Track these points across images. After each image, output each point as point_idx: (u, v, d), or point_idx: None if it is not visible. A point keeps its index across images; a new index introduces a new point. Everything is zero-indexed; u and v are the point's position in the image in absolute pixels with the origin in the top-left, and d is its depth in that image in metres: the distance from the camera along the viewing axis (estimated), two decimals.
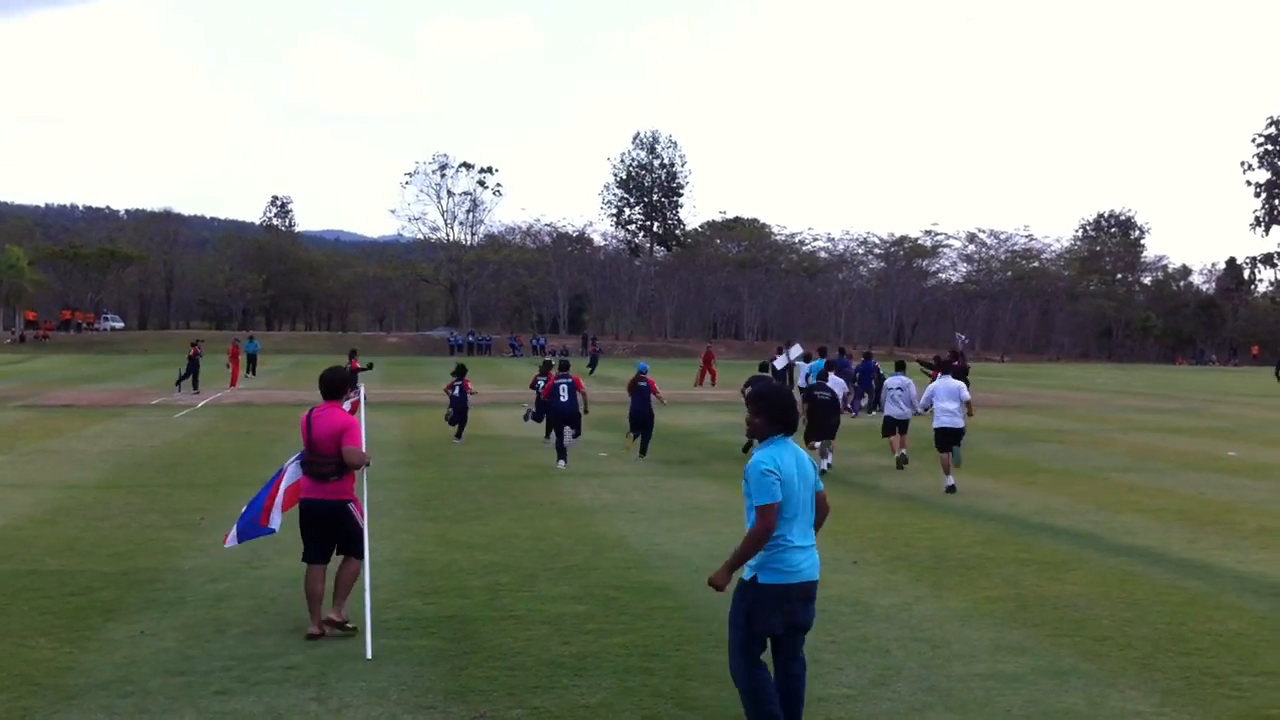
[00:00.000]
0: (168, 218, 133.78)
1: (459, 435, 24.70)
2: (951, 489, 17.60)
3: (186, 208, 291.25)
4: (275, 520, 9.13)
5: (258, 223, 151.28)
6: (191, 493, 16.48)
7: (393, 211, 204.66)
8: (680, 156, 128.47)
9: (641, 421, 22.27)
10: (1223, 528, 14.51)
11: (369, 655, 8.24)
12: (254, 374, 49.51)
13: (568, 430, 21.71)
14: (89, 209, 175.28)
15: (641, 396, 22.40)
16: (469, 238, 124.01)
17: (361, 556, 8.99)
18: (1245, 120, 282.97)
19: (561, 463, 20.54)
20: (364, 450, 9.06)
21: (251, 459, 20.68)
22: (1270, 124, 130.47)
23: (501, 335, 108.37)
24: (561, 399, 21.75)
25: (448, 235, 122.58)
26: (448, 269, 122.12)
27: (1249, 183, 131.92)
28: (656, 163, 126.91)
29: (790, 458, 6.27)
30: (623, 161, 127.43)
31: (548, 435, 23.35)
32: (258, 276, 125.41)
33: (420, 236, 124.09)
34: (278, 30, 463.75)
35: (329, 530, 9.03)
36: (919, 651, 8.56)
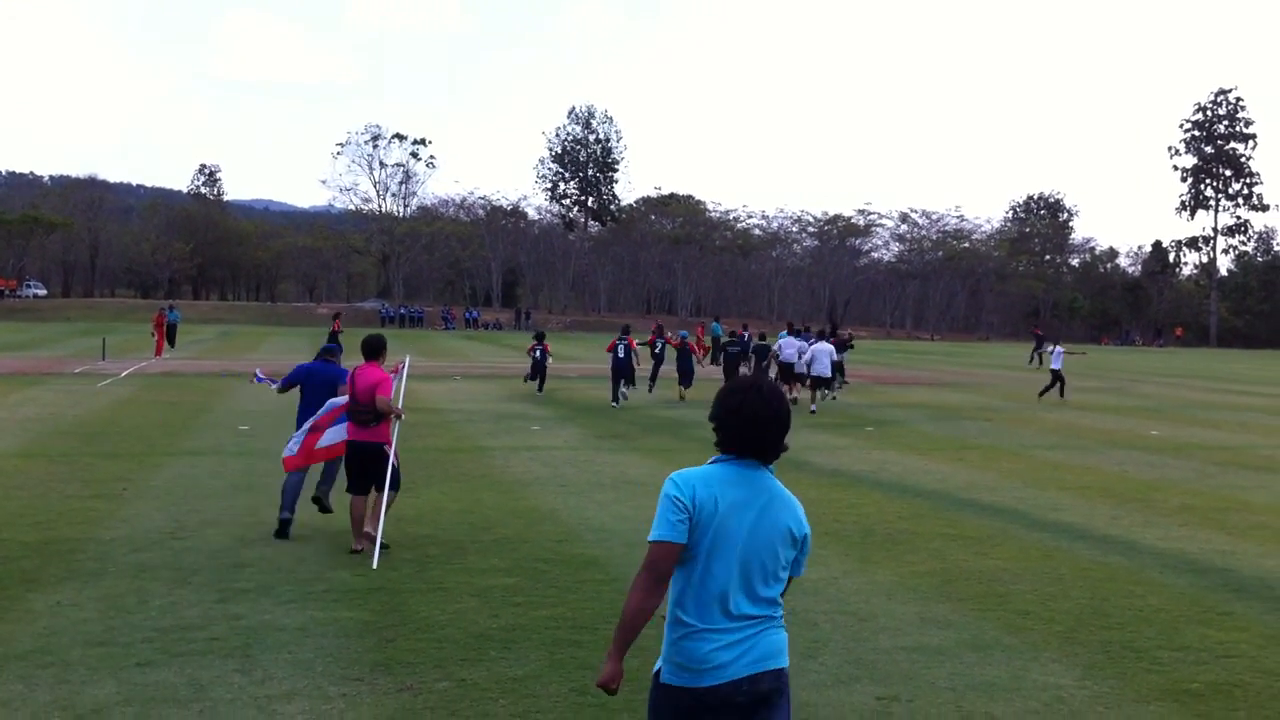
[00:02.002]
0: (93, 184, 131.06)
1: (540, 389, 30.54)
2: (814, 412, 25.89)
3: (112, 174, 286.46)
4: (296, 459, 11.63)
5: (185, 191, 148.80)
6: (115, 462, 16.20)
7: (324, 182, 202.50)
8: (616, 132, 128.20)
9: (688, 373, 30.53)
10: (1145, 505, 14.76)
11: (374, 566, 10.06)
12: (173, 345, 48.24)
13: (623, 381, 28.46)
14: (11, 174, 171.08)
15: (684, 354, 30.71)
16: (401, 209, 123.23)
17: (384, 489, 10.81)
18: (1173, 106, 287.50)
19: (614, 404, 27.75)
20: (396, 403, 11.05)
21: (176, 429, 20.39)
22: (1197, 110, 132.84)
23: (434, 308, 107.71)
24: (620, 355, 28.37)
25: (380, 207, 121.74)
26: (380, 240, 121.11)
27: (1175, 167, 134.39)
28: (592, 138, 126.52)
29: (737, 494, 4.03)
30: (558, 136, 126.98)
31: (615, 389, 28.60)
32: (184, 245, 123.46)
33: (352, 207, 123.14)
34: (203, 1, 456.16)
35: (368, 466, 10.92)
36: (846, 625, 8.62)
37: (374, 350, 11.21)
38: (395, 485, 11.04)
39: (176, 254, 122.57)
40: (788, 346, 30.26)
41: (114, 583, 9.39)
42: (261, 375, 14.50)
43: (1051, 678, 7.51)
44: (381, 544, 10.52)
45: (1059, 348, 34.16)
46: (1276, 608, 9.50)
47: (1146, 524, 13.37)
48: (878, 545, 11.69)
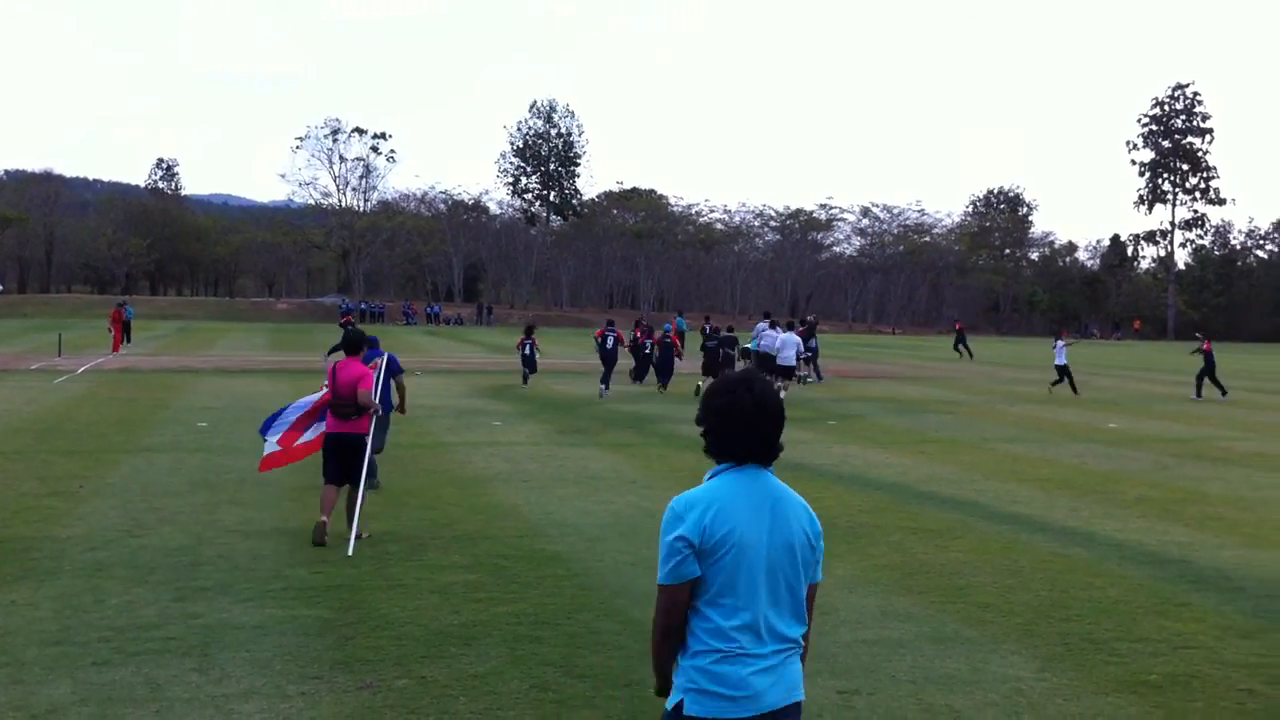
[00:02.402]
0: (48, 179, 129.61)
1: (525, 381, 31.02)
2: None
3: (68, 169, 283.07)
4: (272, 453, 11.55)
5: (143, 186, 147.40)
6: (71, 460, 16.02)
7: (283, 176, 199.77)
8: (577, 126, 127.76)
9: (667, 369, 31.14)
10: (1103, 497, 14.87)
11: (350, 553, 10.31)
12: (129, 341, 47.65)
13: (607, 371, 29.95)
14: None
15: (666, 349, 31.23)
16: (362, 204, 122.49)
17: (359, 483, 11.07)
18: (1131, 100, 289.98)
19: (604, 392, 28.84)
20: (372, 396, 11.24)
21: (134, 426, 20.18)
22: (1155, 104, 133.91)
23: (395, 303, 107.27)
24: (607, 346, 30.28)
25: (340, 201, 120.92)
26: (340, 235, 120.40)
27: (1133, 162, 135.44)
28: (553, 132, 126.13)
29: (747, 506, 3.71)
30: (519, 130, 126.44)
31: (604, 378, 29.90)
32: (142, 241, 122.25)
33: (312, 202, 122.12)
34: None
35: (346, 457, 11.09)
36: None
37: (355, 345, 11.62)
38: (371, 474, 11.47)
39: (134, 249, 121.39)
40: (770, 338, 30.31)
41: (70, 581, 9.28)
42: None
43: (1011, 670, 7.54)
44: (358, 535, 10.71)
45: (1060, 341, 33.98)
46: (1233, 599, 9.59)
47: (1105, 516, 13.47)
48: (839, 539, 11.70)
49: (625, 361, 33.01)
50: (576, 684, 7.06)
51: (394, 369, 14.10)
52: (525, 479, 15.35)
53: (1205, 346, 33.35)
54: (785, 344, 29.43)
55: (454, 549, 10.79)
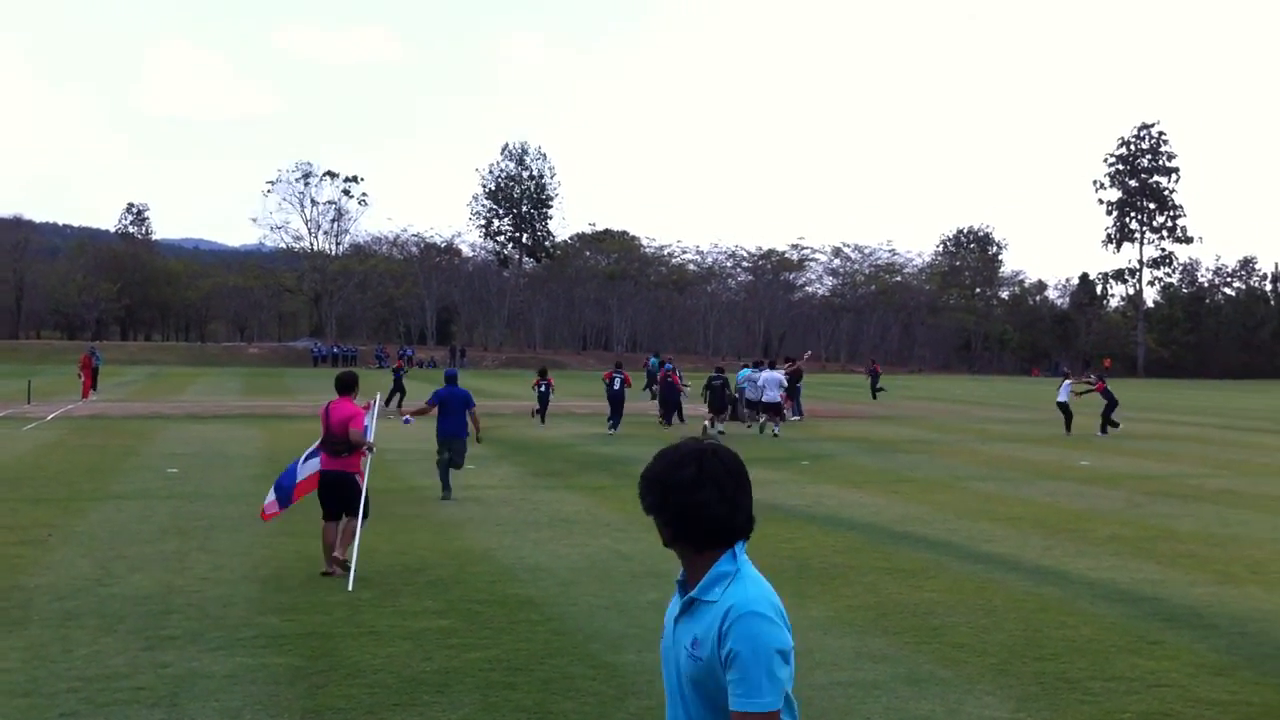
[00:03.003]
0: (18, 225, 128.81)
1: (543, 420, 32.59)
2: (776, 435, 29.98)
3: (38, 214, 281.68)
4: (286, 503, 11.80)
5: (113, 230, 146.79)
6: (39, 508, 15.87)
7: (254, 220, 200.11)
8: (550, 168, 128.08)
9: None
10: (1076, 535, 14.92)
11: (349, 588, 10.72)
12: (95, 389, 46.69)
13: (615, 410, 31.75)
14: None
15: (668, 388, 33.41)
16: (334, 247, 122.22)
17: (357, 515, 11.51)
18: (1098, 140, 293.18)
19: (612, 431, 30.59)
20: (367, 436, 11.65)
21: (104, 473, 20.02)
22: (1121, 144, 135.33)
23: (368, 346, 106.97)
24: (614, 388, 31.98)
25: (312, 245, 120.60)
26: (311, 279, 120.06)
27: (1101, 201, 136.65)
28: (526, 174, 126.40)
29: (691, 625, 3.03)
30: (491, 173, 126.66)
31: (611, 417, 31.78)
32: (112, 286, 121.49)
33: (283, 246, 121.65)
34: (131, 35, 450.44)
35: (340, 494, 11.53)
36: None
37: (347, 386, 12.16)
38: (366, 514, 11.80)
39: (104, 294, 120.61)
40: (770, 384, 31.45)
41: (38, 631, 9.18)
42: (409, 417, 19.27)
43: (986, 711, 7.54)
44: (345, 564, 11.16)
45: (1067, 381, 34.25)
46: (1205, 636, 9.62)
47: (1078, 554, 13.51)
48: (813, 580, 11.71)
49: (635, 404, 33.81)
50: None
51: (469, 403, 17.55)
52: (498, 522, 15.29)
53: (1099, 387, 33.55)
54: (768, 383, 31.14)
55: (427, 594, 10.73)
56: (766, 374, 31.75)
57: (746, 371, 33.86)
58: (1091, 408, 35.19)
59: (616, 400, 31.81)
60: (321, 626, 9.44)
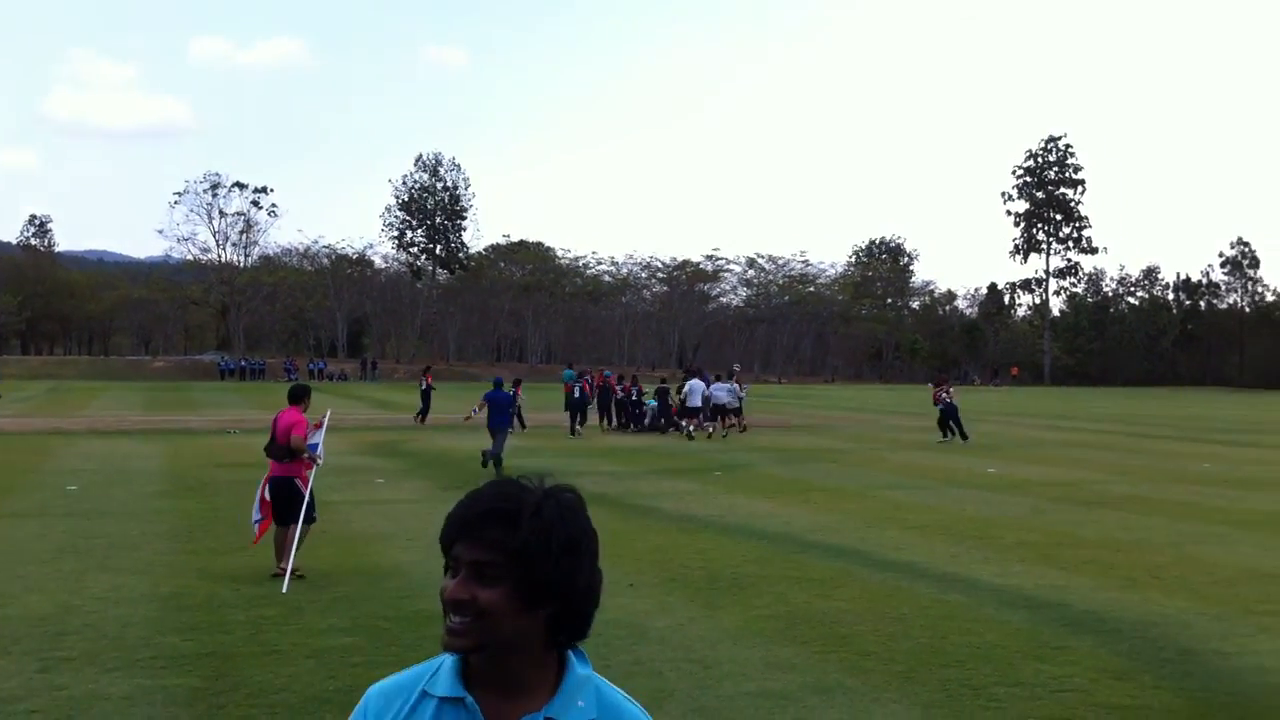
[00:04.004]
0: None
1: (523, 426, 34.07)
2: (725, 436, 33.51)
3: None
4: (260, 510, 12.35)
5: (14, 242, 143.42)
6: None
7: (160, 232, 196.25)
8: (464, 179, 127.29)
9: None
10: (982, 542, 15.09)
11: (284, 590, 11.16)
12: None
13: (579, 416, 34.86)
14: None
15: (605, 392, 37.56)
16: (242, 259, 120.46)
17: (298, 521, 11.96)
18: (1006, 152, 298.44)
19: (575, 436, 33.43)
20: (315, 450, 12.47)
21: (0, 491, 19.47)
22: (1029, 157, 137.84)
23: (277, 359, 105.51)
24: (575, 395, 34.87)
25: (219, 256, 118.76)
26: (219, 291, 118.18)
27: (1009, 212, 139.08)
28: (439, 185, 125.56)
29: None
30: (405, 184, 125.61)
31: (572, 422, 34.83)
32: (13, 299, 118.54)
33: (190, 257, 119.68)
34: (38, 45, 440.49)
35: (286, 497, 12.10)
36: (691, 672, 8.58)
37: (297, 397, 12.88)
38: (312, 518, 12.33)
39: (4, 307, 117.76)
40: (718, 390, 35.05)
41: None
42: (476, 410, 23.74)
43: (893, 719, 7.56)
44: (292, 571, 11.66)
45: (943, 390, 34.36)
46: (1108, 641, 9.76)
47: (984, 561, 13.66)
48: (724, 590, 11.70)
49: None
50: None
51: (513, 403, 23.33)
52: (409, 537, 15.11)
53: (934, 397, 34.02)
54: (717, 392, 34.77)
55: (332, 611, 10.55)
56: (693, 382, 34.95)
57: (713, 381, 36.38)
58: (990, 413, 35.70)
59: (578, 406, 34.75)
60: (222, 646, 9.23)
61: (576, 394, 35.05)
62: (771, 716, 7.56)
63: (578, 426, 34.92)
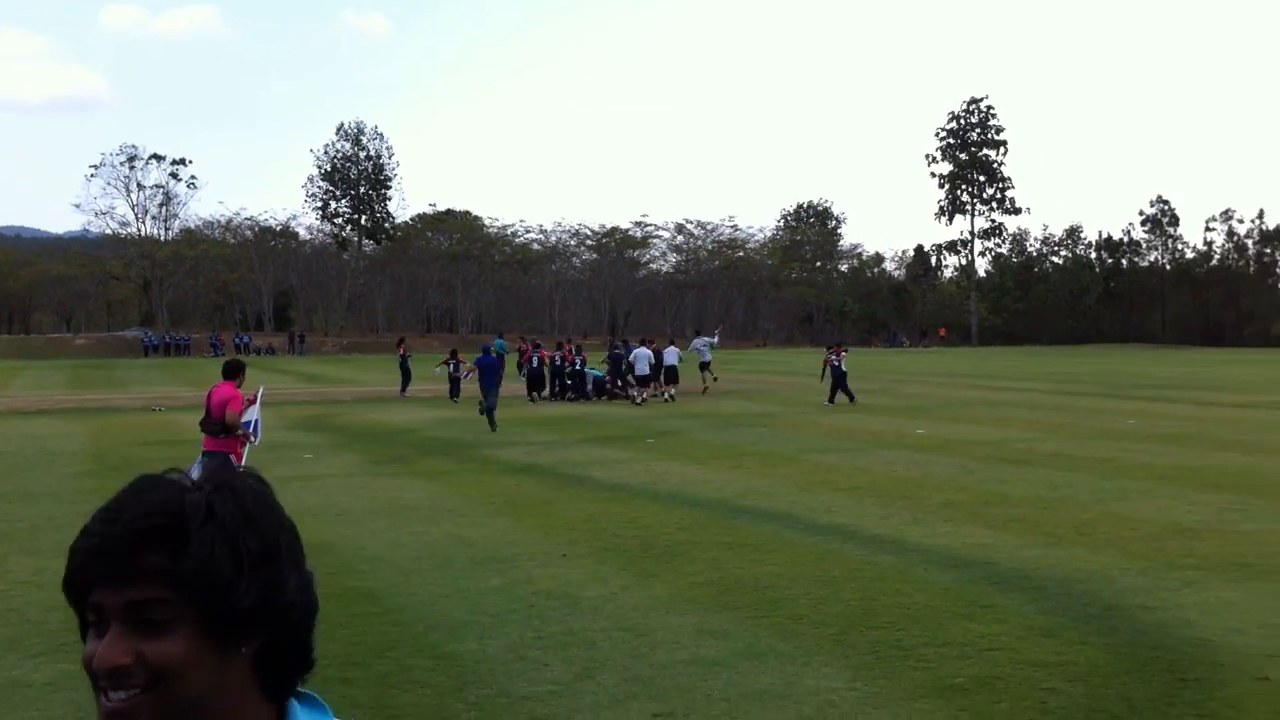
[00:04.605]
0: None
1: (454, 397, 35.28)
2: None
3: None
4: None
5: None
6: None
7: (77, 206, 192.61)
8: (387, 148, 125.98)
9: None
10: (911, 503, 15.25)
11: None
12: None
13: (535, 391, 36.28)
14: None
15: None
16: (163, 233, 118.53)
17: None
18: (932, 115, 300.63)
19: (531, 404, 34.48)
20: (249, 427, 12.85)
21: None
22: (951, 119, 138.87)
23: (202, 334, 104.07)
24: (533, 365, 36.61)
25: (139, 230, 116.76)
26: (140, 266, 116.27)
27: (934, 174, 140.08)
28: (363, 154, 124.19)
29: None
30: (327, 153, 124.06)
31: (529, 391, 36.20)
32: None
33: (109, 232, 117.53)
34: None
35: None
36: (624, 641, 8.59)
37: (232, 372, 13.00)
38: None
39: None
40: (670, 355, 36.20)
41: None
42: (466, 373, 23.02)
43: (823, 681, 7.62)
44: None
45: (833, 355, 34.63)
46: (1034, 599, 9.90)
47: (913, 521, 13.80)
48: (656, 558, 11.73)
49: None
50: None
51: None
52: (338, 512, 14.99)
53: (824, 360, 34.86)
54: (668, 354, 36.05)
55: None
56: (641, 350, 35.83)
57: (666, 346, 37.25)
58: (919, 374, 36.05)
59: (535, 378, 36.30)
60: None
61: (535, 363, 36.64)
62: (704, 684, 7.59)
63: (536, 395, 36.18)
